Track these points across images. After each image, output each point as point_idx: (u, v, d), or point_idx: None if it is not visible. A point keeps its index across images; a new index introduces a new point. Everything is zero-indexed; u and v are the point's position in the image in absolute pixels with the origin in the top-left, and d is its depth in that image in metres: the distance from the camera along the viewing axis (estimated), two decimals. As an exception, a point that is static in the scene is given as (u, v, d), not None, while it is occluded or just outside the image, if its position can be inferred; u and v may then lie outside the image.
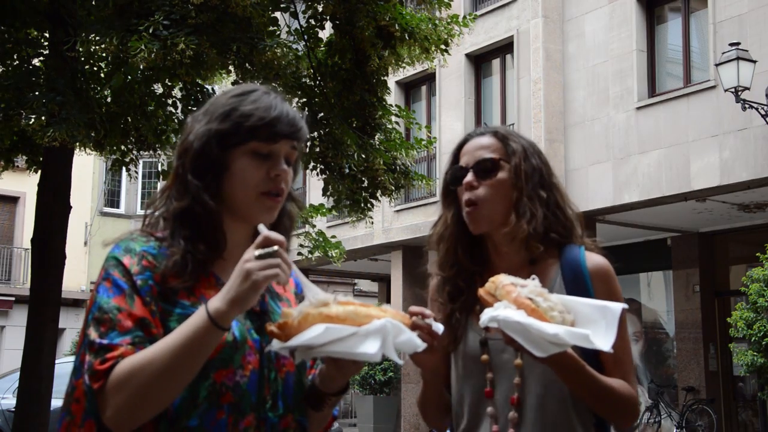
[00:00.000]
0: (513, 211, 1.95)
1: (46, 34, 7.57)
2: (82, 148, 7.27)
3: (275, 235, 1.47)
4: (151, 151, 8.45)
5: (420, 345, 1.56)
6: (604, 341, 1.66)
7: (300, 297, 1.76)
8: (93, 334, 1.50)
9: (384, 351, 1.47)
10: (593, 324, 1.69)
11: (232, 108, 1.64)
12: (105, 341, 1.48)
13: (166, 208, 1.66)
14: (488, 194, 1.96)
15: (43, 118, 6.29)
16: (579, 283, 1.95)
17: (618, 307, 1.71)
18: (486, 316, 1.68)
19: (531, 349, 1.66)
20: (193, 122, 1.69)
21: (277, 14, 7.91)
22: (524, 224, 1.93)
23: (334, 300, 1.52)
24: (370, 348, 1.45)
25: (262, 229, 1.49)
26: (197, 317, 1.46)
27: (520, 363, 1.92)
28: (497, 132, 2.05)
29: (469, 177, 1.98)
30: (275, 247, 1.45)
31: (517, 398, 1.92)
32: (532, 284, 1.72)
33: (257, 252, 1.44)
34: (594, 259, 1.97)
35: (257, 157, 1.62)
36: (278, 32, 7.40)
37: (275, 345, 1.53)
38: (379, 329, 1.47)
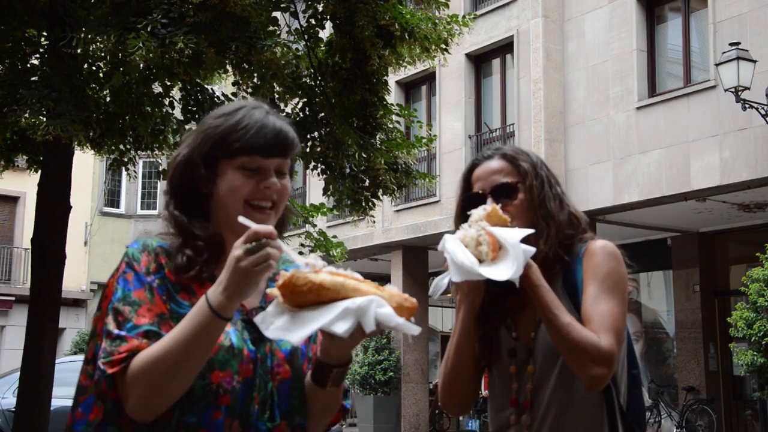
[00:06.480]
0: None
1: (44, 33, 7.56)
2: (80, 146, 7.24)
3: (263, 228, 1.49)
4: (148, 152, 8.44)
5: (414, 329, 1.52)
6: (507, 273, 1.82)
7: None
8: (111, 324, 1.58)
9: (366, 327, 1.48)
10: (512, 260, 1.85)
11: (219, 126, 1.69)
12: (122, 332, 1.56)
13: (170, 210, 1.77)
14: (510, 217, 1.99)
15: (36, 115, 6.26)
16: (572, 271, 2.01)
17: (518, 235, 1.86)
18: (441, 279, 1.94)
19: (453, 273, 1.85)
20: (187, 137, 1.77)
21: (277, 14, 7.90)
22: (541, 245, 1.98)
23: (323, 266, 1.53)
24: (340, 328, 1.48)
25: (246, 221, 1.52)
26: (200, 310, 1.52)
27: (532, 368, 2.00)
28: (505, 154, 2.08)
29: (490, 203, 2.02)
30: (263, 240, 1.48)
31: (528, 402, 2.00)
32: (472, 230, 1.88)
33: (247, 246, 1.48)
34: (591, 243, 2.03)
35: (246, 171, 1.66)
36: (278, 32, 7.39)
37: (262, 326, 1.54)
38: (355, 309, 1.48)
